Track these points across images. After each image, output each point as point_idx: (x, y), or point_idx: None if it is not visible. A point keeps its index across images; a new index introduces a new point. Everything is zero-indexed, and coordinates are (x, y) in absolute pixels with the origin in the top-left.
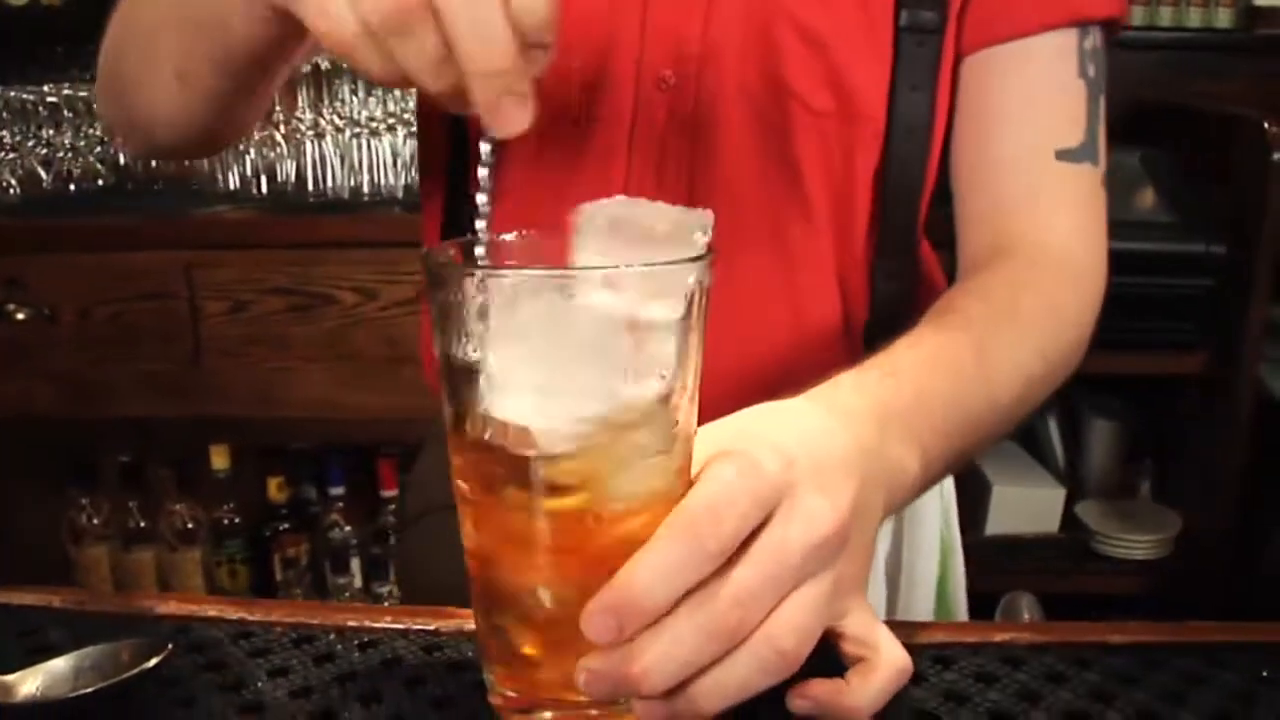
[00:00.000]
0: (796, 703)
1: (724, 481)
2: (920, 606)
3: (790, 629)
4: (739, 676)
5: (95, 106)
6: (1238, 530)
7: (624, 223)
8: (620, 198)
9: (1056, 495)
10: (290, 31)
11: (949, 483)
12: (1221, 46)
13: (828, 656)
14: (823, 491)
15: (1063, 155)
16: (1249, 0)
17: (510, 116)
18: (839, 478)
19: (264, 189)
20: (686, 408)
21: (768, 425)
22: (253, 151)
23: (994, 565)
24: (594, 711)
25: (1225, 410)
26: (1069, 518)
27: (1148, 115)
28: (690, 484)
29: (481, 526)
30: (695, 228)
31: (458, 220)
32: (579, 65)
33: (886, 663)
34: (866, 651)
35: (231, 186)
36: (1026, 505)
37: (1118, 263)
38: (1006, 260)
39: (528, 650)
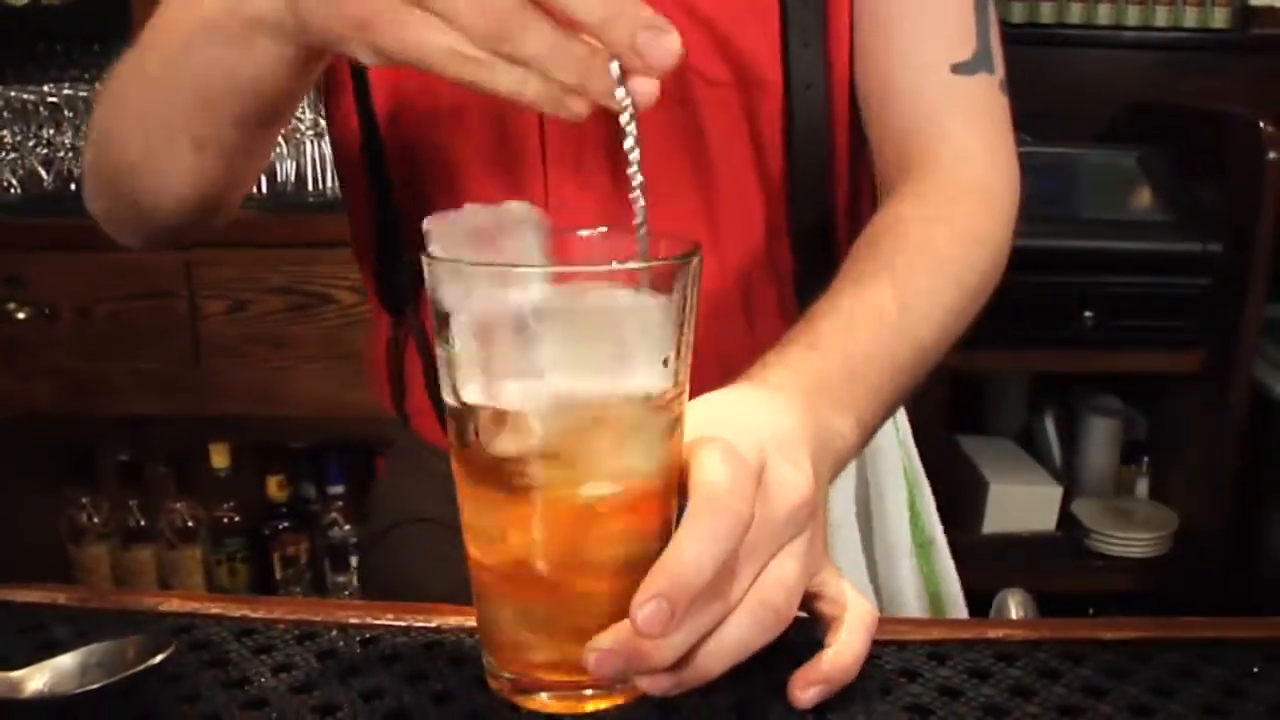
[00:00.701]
0: (802, 696)
1: (731, 458)
2: (895, 540)
3: (780, 588)
4: (738, 637)
5: (86, 203)
6: (1234, 528)
7: (462, 224)
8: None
9: (1053, 493)
10: (313, 64)
11: (902, 416)
12: (1217, 46)
13: (809, 641)
14: (791, 463)
15: (958, 69)
16: (1244, 0)
17: (663, 46)
18: (798, 450)
19: (263, 188)
20: (682, 394)
21: (723, 410)
22: None
23: (990, 563)
24: (589, 691)
25: (1222, 408)
26: (1065, 516)
27: (1144, 115)
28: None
29: (479, 511)
30: (523, 220)
31: (391, 240)
32: None
33: (858, 619)
34: (838, 610)
35: None
36: (1023, 503)
37: (1115, 262)
38: (918, 190)
39: (525, 633)
